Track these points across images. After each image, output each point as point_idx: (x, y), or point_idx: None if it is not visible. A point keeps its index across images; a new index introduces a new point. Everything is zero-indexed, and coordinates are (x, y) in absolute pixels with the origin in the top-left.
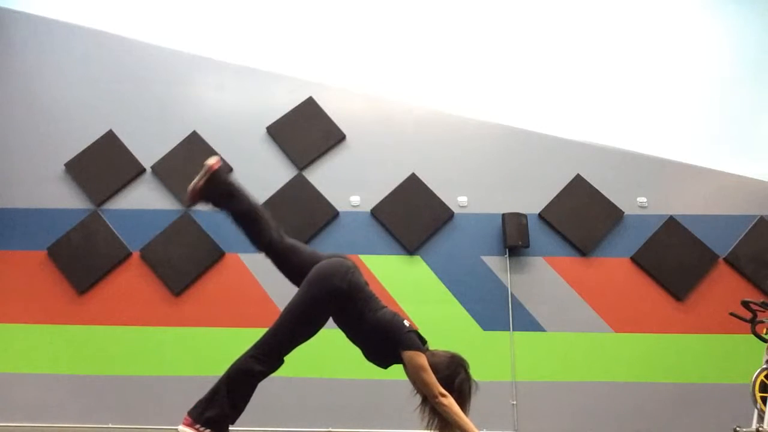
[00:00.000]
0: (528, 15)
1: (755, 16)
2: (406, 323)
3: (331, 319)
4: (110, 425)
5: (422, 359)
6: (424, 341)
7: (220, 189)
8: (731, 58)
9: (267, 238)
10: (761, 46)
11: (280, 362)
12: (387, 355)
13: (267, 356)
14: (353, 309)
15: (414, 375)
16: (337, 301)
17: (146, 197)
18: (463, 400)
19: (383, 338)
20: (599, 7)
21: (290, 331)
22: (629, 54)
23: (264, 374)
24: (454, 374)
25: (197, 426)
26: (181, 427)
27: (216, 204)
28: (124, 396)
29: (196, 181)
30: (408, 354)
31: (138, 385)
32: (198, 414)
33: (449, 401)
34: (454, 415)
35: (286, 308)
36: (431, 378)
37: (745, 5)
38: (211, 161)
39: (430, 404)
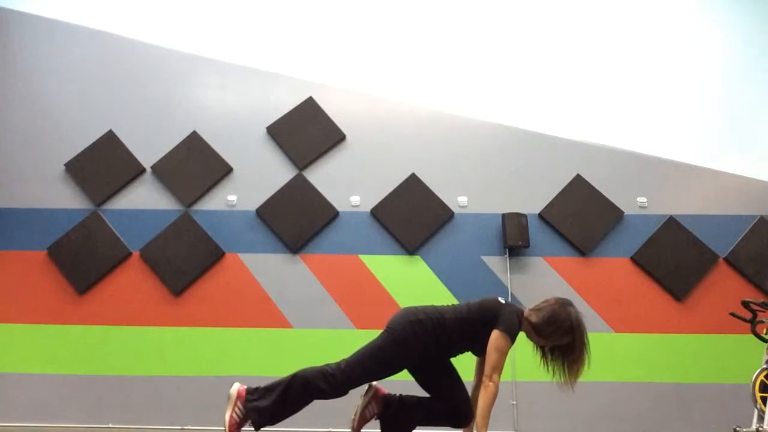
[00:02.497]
0: (528, 15)
1: (755, 16)
2: (501, 300)
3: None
4: (110, 425)
5: (505, 344)
6: (520, 313)
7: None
8: (731, 57)
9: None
10: (761, 45)
11: (344, 393)
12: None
13: (338, 382)
14: (446, 342)
15: (490, 349)
16: (425, 354)
17: (146, 197)
18: (582, 333)
19: (485, 325)
20: (599, 7)
21: (367, 372)
22: (629, 54)
23: (324, 395)
24: (569, 316)
25: (244, 404)
26: (234, 388)
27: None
28: (124, 396)
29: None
30: (496, 333)
31: (138, 385)
32: (252, 398)
33: (491, 392)
34: (484, 405)
35: (373, 346)
36: (500, 362)
37: (744, 5)
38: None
39: (548, 354)
